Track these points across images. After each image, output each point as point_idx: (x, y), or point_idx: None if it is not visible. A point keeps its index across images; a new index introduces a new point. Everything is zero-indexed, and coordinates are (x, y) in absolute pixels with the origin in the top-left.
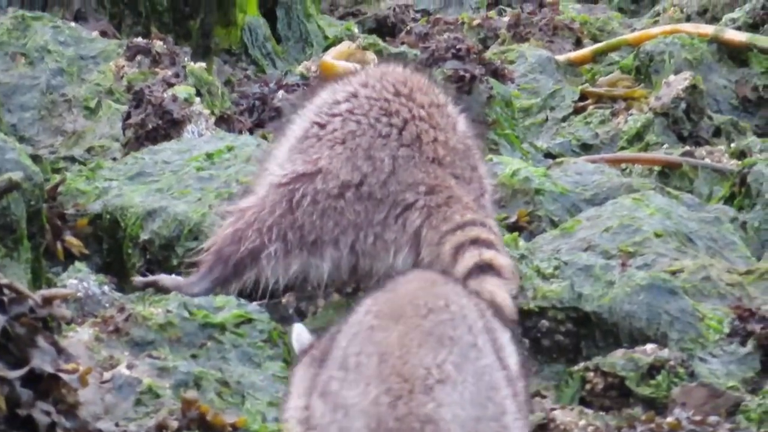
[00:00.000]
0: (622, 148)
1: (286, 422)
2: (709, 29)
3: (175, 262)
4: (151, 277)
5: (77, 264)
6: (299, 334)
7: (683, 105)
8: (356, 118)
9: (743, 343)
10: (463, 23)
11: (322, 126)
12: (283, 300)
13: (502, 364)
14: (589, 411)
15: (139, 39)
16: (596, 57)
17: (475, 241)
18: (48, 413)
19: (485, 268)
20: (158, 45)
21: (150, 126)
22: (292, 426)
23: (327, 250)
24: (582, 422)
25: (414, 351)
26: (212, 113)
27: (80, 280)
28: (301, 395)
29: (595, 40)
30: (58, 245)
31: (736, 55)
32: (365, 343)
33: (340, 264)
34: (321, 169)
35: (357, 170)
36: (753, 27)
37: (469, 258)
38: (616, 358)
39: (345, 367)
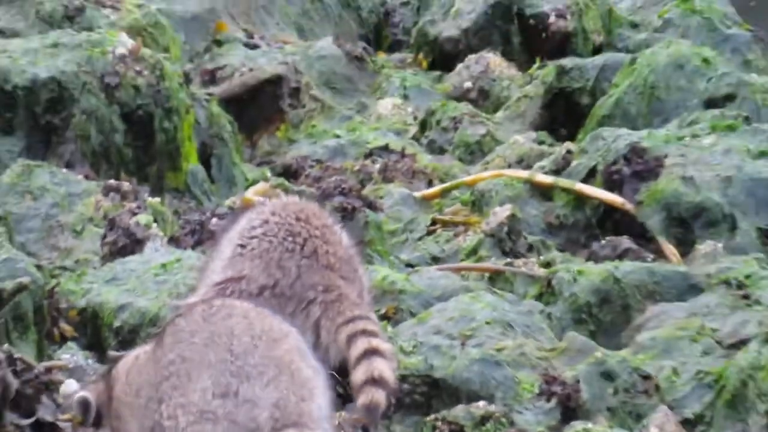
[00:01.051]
0: (462, 260)
1: None
2: (524, 174)
3: (139, 342)
4: (121, 353)
5: (69, 344)
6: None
7: (505, 229)
8: (269, 238)
9: (548, 400)
10: (346, 169)
11: (243, 246)
12: None
13: None
14: None
15: (112, 181)
16: (443, 193)
17: (364, 332)
18: None
19: (373, 352)
20: (125, 185)
21: (120, 244)
22: None
23: None
24: None
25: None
26: (165, 235)
27: (71, 355)
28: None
29: (442, 181)
30: (55, 330)
31: (544, 193)
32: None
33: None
34: (245, 276)
35: (271, 276)
36: (556, 172)
37: (361, 345)
38: (458, 411)
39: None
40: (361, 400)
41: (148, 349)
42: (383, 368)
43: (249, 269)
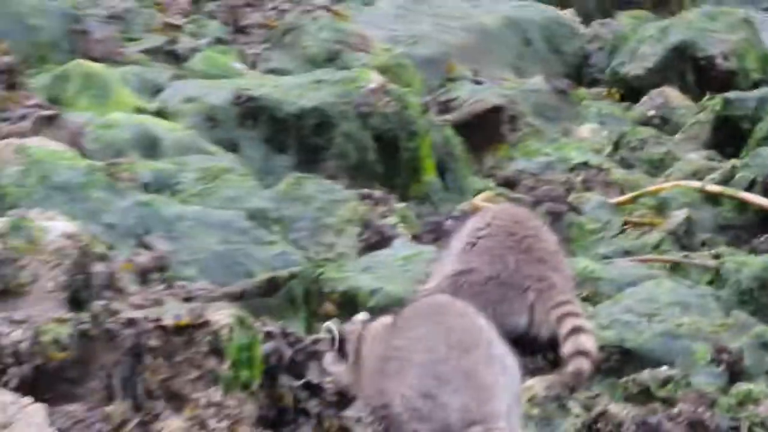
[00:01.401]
0: (648, 253)
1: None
2: (697, 184)
3: None
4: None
5: (332, 321)
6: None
7: (683, 228)
8: (492, 237)
9: (718, 366)
10: (554, 180)
11: (472, 244)
12: None
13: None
14: (629, 406)
15: (366, 190)
16: (633, 200)
17: (570, 313)
18: (316, 406)
19: (578, 329)
20: (377, 193)
21: (373, 240)
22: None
23: None
24: (625, 412)
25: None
26: (409, 233)
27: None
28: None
29: (631, 190)
30: (320, 310)
31: (713, 199)
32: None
33: None
34: (473, 268)
35: (495, 268)
36: (723, 182)
37: (568, 324)
38: (645, 375)
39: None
40: (570, 368)
41: (388, 323)
42: (587, 342)
43: (477, 263)
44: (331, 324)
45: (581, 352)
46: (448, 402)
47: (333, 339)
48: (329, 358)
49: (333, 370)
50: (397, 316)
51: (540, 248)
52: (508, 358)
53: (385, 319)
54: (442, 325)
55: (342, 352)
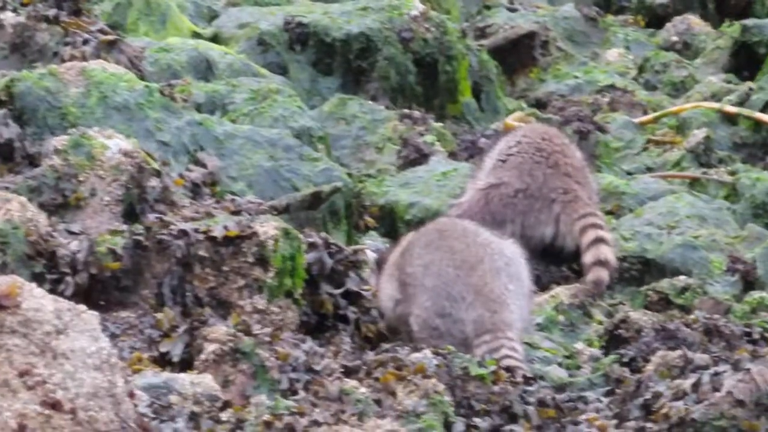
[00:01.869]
0: (669, 170)
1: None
2: (716, 105)
3: None
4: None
5: (371, 232)
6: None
7: (702, 146)
8: (522, 153)
9: (733, 275)
10: (582, 102)
11: (503, 160)
12: None
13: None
14: (649, 313)
15: (406, 110)
16: (656, 120)
17: (593, 225)
18: (355, 312)
19: (599, 240)
20: (416, 113)
21: (411, 157)
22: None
23: (507, 226)
24: (645, 319)
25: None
26: (445, 150)
27: (373, 241)
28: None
29: (654, 111)
30: (361, 222)
31: (731, 119)
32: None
33: (513, 234)
34: (504, 182)
35: (524, 182)
36: (740, 104)
37: (591, 234)
38: (664, 284)
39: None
40: (590, 277)
41: (411, 240)
42: (607, 253)
43: (507, 177)
44: (368, 250)
45: (601, 262)
46: (464, 317)
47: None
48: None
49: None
50: (407, 246)
51: (566, 163)
52: (513, 266)
53: (414, 235)
54: (446, 249)
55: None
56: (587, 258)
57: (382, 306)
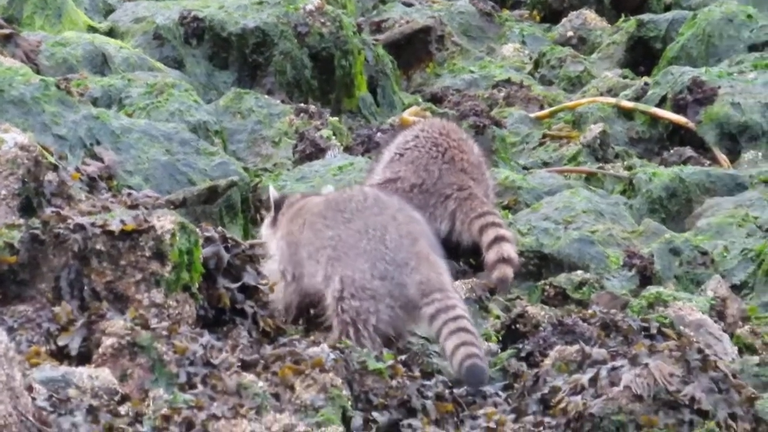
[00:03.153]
0: (565, 164)
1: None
2: (612, 100)
3: None
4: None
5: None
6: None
7: (598, 141)
8: (419, 148)
9: (630, 270)
10: (478, 96)
11: (400, 155)
12: None
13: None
14: (546, 308)
15: (302, 104)
16: (552, 115)
17: (493, 224)
18: (252, 307)
19: (501, 238)
20: (312, 108)
21: (307, 152)
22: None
23: None
24: (542, 313)
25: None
26: (341, 145)
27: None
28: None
29: (550, 105)
30: (257, 217)
31: (627, 114)
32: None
33: None
34: (400, 176)
35: (420, 177)
36: (636, 99)
37: (491, 233)
38: (561, 278)
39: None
40: (495, 274)
41: (315, 210)
42: (510, 250)
43: (403, 172)
44: (271, 187)
45: (504, 260)
46: (407, 281)
47: (269, 202)
48: (267, 221)
49: (265, 233)
50: (327, 207)
51: (463, 159)
52: (432, 236)
53: (312, 202)
54: (388, 217)
55: (275, 219)
56: (490, 256)
57: (276, 269)
